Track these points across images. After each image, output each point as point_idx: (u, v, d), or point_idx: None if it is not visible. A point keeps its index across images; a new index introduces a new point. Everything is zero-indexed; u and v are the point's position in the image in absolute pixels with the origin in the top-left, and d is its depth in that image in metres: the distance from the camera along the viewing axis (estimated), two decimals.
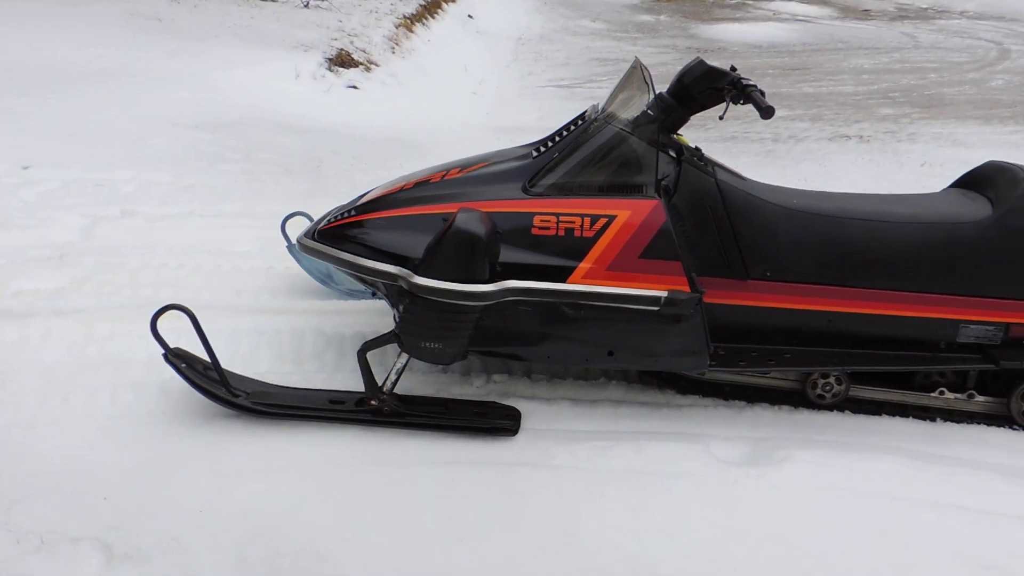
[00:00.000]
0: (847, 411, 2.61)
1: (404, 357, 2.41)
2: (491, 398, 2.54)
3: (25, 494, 2.13)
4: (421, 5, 10.93)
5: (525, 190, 2.36)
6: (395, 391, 2.45)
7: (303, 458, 2.29)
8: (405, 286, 2.28)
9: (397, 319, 2.34)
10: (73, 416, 2.41)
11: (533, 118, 7.30)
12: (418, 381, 2.65)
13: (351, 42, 8.04)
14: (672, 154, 2.42)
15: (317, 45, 7.59)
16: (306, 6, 9.12)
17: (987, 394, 2.60)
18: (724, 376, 2.64)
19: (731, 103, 2.35)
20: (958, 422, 2.58)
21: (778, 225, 2.43)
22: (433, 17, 10.98)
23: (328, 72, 7.14)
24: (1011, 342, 2.46)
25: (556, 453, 2.32)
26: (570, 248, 2.27)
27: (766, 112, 2.22)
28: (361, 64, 7.63)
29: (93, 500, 2.13)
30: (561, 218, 2.28)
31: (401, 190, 2.52)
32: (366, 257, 2.37)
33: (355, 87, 7.14)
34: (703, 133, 6.83)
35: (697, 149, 2.54)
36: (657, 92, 2.46)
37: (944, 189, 2.76)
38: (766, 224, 2.42)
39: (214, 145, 5.02)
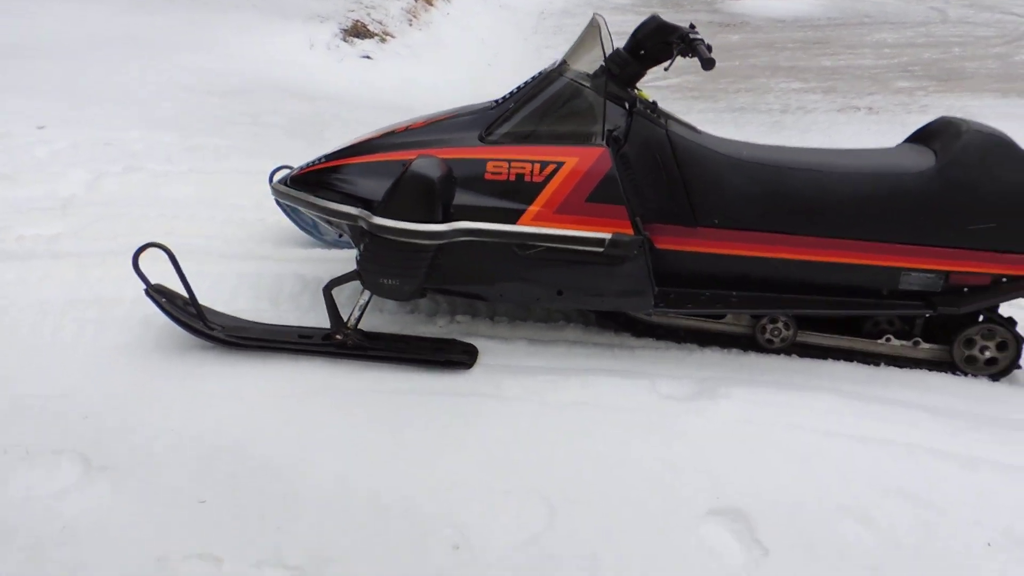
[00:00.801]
0: (794, 355, 2.71)
1: (367, 294, 2.55)
2: (452, 336, 2.68)
3: (14, 412, 2.32)
4: None
5: (481, 138, 2.48)
6: (360, 327, 2.60)
7: (269, 386, 2.44)
8: (365, 226, 2.42)
9: (358, 258, 2.49)
10: (62, 346, 2.60)
11: None
12: (385, 320, 2.80)
13: (368, 13, 8.17)
14: (625, 106, 2.52)
15: (333, 16, 7.73)
16: None
17: (932, 341, 2.68)
18: (678, 321, 2.75)
19: (679, 56, 2.45)
20: (905, 367, 2.67)
21: (726, 175, 2.52)
22: None
23: (342, 42, 7.28)
24: (951, 289, 2.54)
25: (507, 386, 2.45)
26: (520, 192, 2.40)
27: (707, 63, 2.32)
28: (376, 35, 7.76)
29: (75, 419, 2.31)
30: (513, 164, 2.41)
31: (370, 139, 2.66)
32: (331, 200, 2.52)
33: (368, 57, 7.28)
34: (712, 104, 6.89)
35: (654, 103, 2.64)
36: (615, 47, 2.57)
37: (898, 144, 2.82)
38: (714, 173, 2.52)
39: (223, 109, 5.20)
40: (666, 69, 2.56)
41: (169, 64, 5.90)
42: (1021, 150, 2.45)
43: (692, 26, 2.71)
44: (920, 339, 2.67)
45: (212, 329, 2.55)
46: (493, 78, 7.70)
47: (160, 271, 2.63)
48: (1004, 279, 2.51)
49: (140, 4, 7.23)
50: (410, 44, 8.11)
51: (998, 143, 2.45)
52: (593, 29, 2.60)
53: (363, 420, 2.33)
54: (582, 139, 2.43)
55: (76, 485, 2.11)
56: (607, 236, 2.37)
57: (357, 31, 7.59)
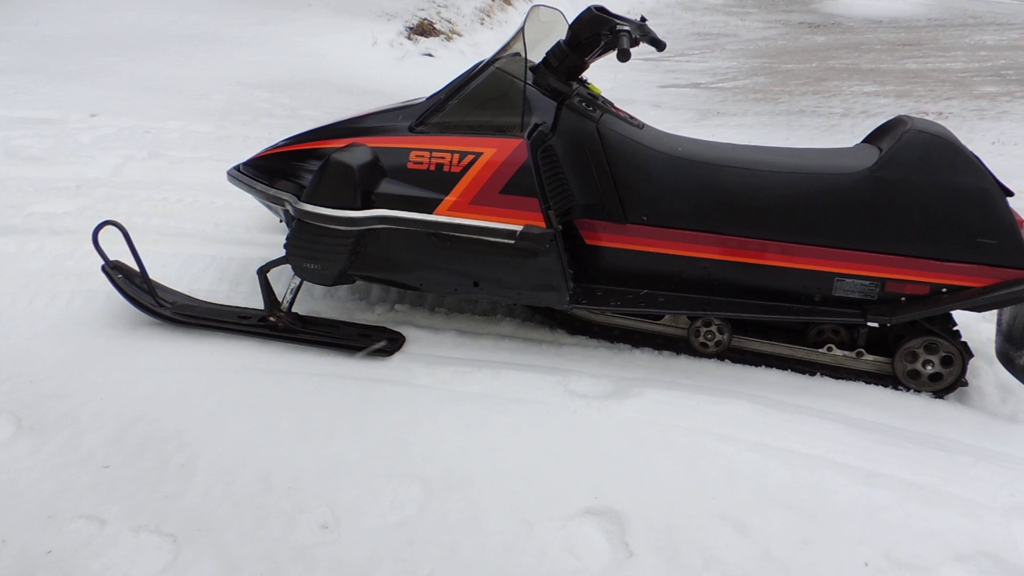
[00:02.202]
0: (728, 360, 2.62)
1: (298, 278, 2.64)
2: (385, 324, 2.74)
3: None
4: None
5: (411, 128, 2.52)
6: (296, 311, 2.69)
7: (200, 362, 2.56)
8: (291, 211, 2.51)
9: (285, 243, 2.58)
10: (32, 314, 2.81)
11: (604, 88, 7.32)
12: (329, 305, 2.89)
13: (438, 12, 8.34)
14: (554, 98, 2.51)
15: (401, 15, 7.93)
16: None
17: (878, 353, 2.54)
18: (614, 320, 2.71)
19: (606, 49, 2.42)
20: (847, 379, 2.54)
21: (657, 171, 2.47)
22: None
23: (406, 40, 7.46)
24: (888, 298, 2.40)
25: (419, 374, 2.48)
26: (439, 182, 2.42)
27: (621, 55, 2.29)
28: (443, 33, 7.91)
29: (22, 382, 2.49)
30: (434, 154, 2.44)
31: (320, 127, 2.75)
32: (269, 186, 2.62)
33: (430, 55, 7.43)
34: (772, 106, 6.68)
35: (596, 97, 2.61)
36: (559, 40, 2.57)
37: (855, 144, 2.69)
38: (645, 169, 2.47)
39: (267, 102, 5.44)
40: (588, 62, 2.52)
41: (229, 59, 6.21)
42: (963, 151, 2.29)
43: (643, 19, 2.67)
44: (863, 350, 2.53)
45: (161, 306, 2.70)
46: None
47: (160, 252, 2.79)
48: (944, 290, 2.36)
49: (216, 4, 7.61)
50: (477, 42, 8.22)
51: (938, 143, 2.30)
52: (534, 20, 2.60)
53: (276, 399, 2.41)
54: (503, 130, 2.43)
55: (3, 443, 2.28)
56: (518, 228, 2.37)
57: (423, 29, 7.76)
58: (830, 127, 6.11)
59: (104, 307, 2.83)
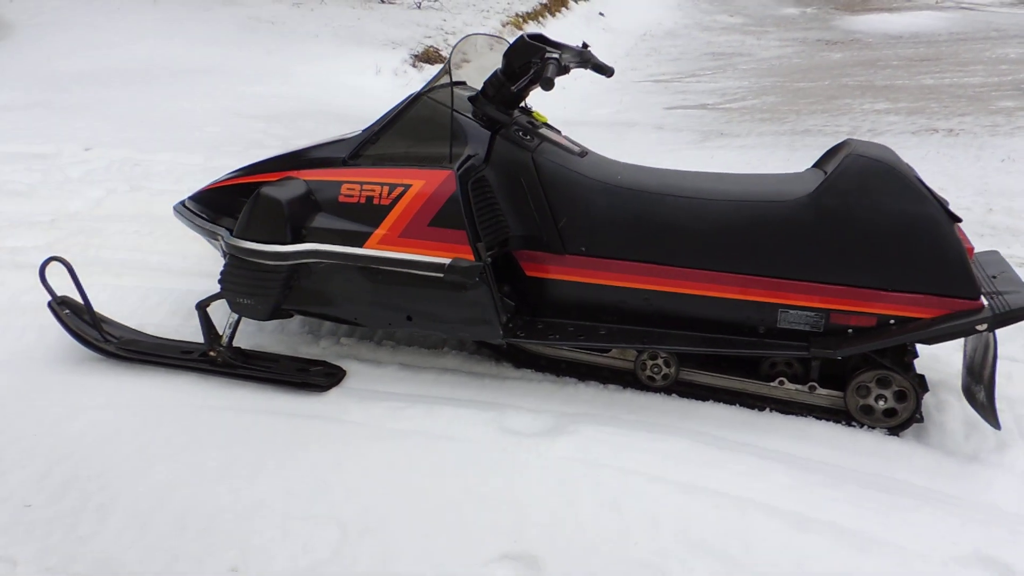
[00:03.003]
0: (675, 395, 2.52)
1: (235, 314, 2.61)
2: (329, 358, 2.69)
3: None
4: (542, 3, 11.08)
5: (344, 161, 2.49)
6: (239, 345, 2.66)
7: (138, 397, 2.54)
8: (224, 246, 2.48)
9: (219, 278, 2.55)
10: None
11: (608, 112, 7.29)
12: (274, 339, 2.86)
13: (445, 40, 8.36)
14: (492, 128, 2.46)
15: (407, 43, 7.96)
16: (418, 7, 9.54)
17: (832, 387, 2.42)
18: (564, 353, 2.63)
19: (535, 77, 2.37)
20: (798, 415, 2.43)
21: (594, 201, 2.40)
22: (554, 15, 11.11)
23: (411, 68, 7.48)
24: (834, 329, 2.29)
25: (352, 410, 2.43)
26: (369, 215, 2.38)
27: (545, 84, 2.24)
28: None
29: None
30: (364, 186, 2.40)
31: (264, 160, 2.73)
32: (208, 220, 2.60)
33: None
34: (777, 126, 6.57)
35: (538, 125, 2.56)
36: (496, 70, 2.52)
37: (806, 169, 2.59)
38: (582, 199, 2.41)
39: (262, 133, 5.47)
40: (515, 90, 2.46)
41: (230, 91, 6.27)
42: (905, 176, 2.19)
43: (585, 45, 2.62)
44: (816, 384, 2.42)
45: (106, 341, 2.69)
46: (561, 104, 7.66)
47: (116, 283, 2.80)
48: (892, 321, 2.24)
49: (226, 37, 7.72)
50: (486, 68, 8.21)
51: (878, 168, 2.19)
52: (470, 49, 2.56)
53: (206, 436, 2.37)
54: (432, 161, 2.39)
55: None
56: (446, 261, 2.31)
57: (428, 56, 7.78)
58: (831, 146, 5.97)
59: (54, 342, 2.83)
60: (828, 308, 2.26)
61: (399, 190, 2.36)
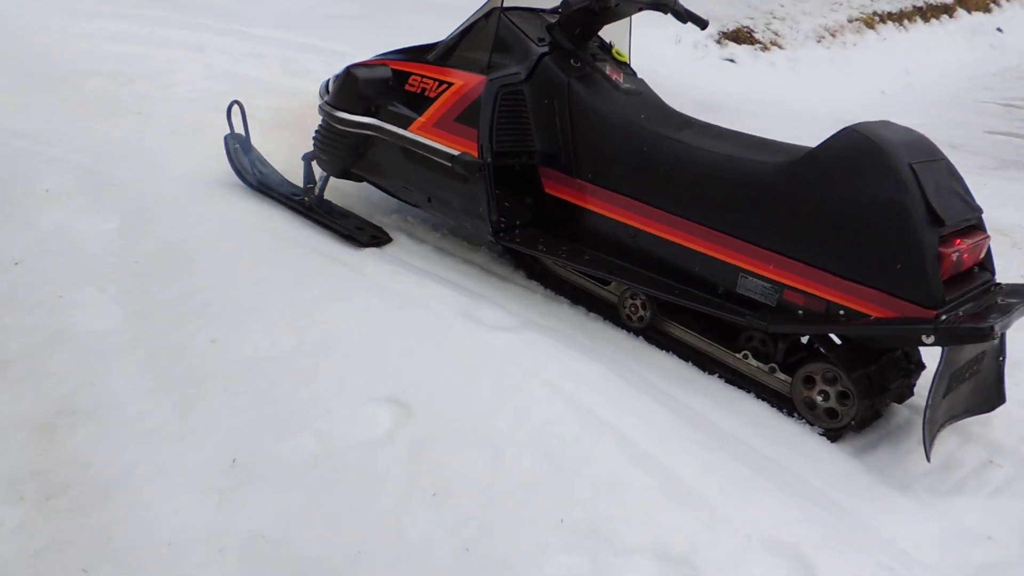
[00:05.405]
0: (643, 338, 2.56)
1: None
2: (389, 228, 3.09)
3: None
4: (916, 6, 10.18)
5: (426, 57, 2.84)
6: (327, 199, 3.16)
7: (235, 216, 3.12)
8: (321, 107, 2.98)
9: (313, 135, 3.05)
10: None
11: (916, 121, 6.67)
12: (362, 204, 3.32)
13: (767, 24, 8.14)
14: (543, 47, 2.65)
15: (722, 19, 7.87)
16: None
17: (791, 375, 2.30)
18: (574, 277, 2.77)
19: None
20: (746, 390, 2.36)
21: (608, 133, 2.50)
22: (927, 21, 10.17)
23: (713, 43, 7.47)
24: (785, 306, 2.18)
25: (369, 265, 2.81)
26: (419, 104, 2.72)
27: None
28: (759, 43, 7.75)
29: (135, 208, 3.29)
30: (424, 79, 2.74)
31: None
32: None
33: (732, 60, 7.37)
34: None
35: (598, 58, 2.69)
36: None
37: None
38: (597, 130, 2.52)
39: None
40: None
41: None
42: (892, 158, 1.97)
43: None
44: (777, 365, 2.32)
45: (251, 175, 3.32)
46: (882, 106, 7.14)
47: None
48: (841, 312, 2.08)
49: None
50: (798, 58, 7.93)
51: (865, 145, 2.01)
52: None
53: (263, 255, 2.88)
54: (477, 66, 2.64)
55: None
56: (456, 153, 2.57)
57: (737, 35, 7.68)
58: None
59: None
60: (783, 283, 2.17)
61: (444, 87, 2.66)
